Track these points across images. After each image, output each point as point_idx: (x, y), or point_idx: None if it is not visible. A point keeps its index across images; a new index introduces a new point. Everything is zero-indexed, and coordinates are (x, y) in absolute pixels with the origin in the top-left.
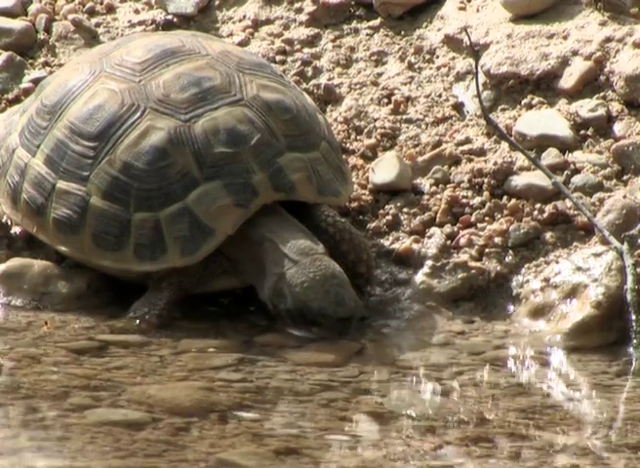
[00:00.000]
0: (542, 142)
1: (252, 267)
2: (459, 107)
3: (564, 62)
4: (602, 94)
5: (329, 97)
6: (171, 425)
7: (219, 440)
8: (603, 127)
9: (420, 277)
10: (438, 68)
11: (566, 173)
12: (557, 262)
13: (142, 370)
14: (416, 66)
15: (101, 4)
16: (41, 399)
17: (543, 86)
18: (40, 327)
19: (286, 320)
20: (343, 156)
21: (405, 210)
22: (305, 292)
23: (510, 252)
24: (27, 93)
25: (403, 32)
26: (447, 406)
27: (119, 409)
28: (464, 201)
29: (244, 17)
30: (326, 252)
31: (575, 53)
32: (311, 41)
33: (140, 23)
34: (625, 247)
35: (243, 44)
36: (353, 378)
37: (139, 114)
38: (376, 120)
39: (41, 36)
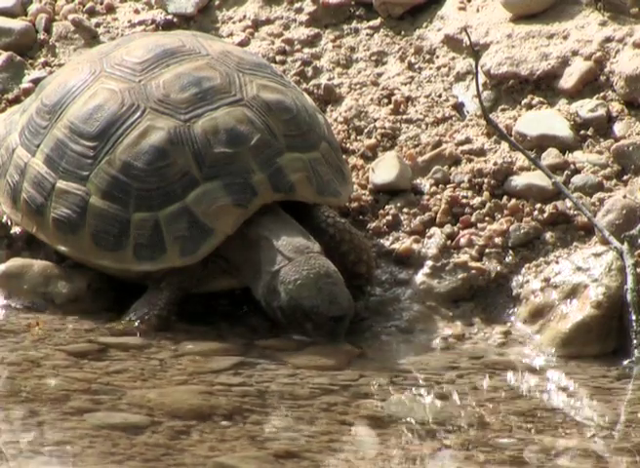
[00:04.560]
0: (542, 142)
1: (249, 266)
2: (459, 107)
3: (564, 62)
4: (602, 94)
5: (329, 97)
6: (170, 428)
7: (218, 443)
8: (603, 127)
9: (420, 277)
10: (438, 68)
11: (566, 173)
12: (557, 262)
13: (142, 374)
14: (416, 66)
15: (101, 4)
16: (41, 402)
17: (543, 86)
18: (32, 327)
19: (279, 318)
20: (343, 156)
21: (405, 210)
22: (298, 290)
23: (510, 252)
24: (27, 93)
25: (403, 32)
26: (447, 410)
27: (119, 413)
28: (464, 201)
29: (244, 17)
30: (322, 251)
31: (575, 53)
32: (311, 41)
33: (140, 23)
34: (625, 247)
35: (243, 44)
36: (353, 382)
37: (138, 114)
38: (376, 120)
39: (41, 36)
